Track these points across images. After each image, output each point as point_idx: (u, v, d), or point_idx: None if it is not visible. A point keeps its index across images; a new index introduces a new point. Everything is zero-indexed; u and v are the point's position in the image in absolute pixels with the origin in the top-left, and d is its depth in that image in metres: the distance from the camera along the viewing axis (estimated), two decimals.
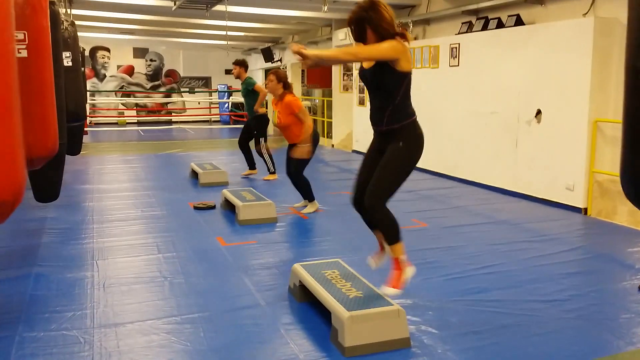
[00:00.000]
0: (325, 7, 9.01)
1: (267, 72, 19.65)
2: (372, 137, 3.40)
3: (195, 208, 6.35)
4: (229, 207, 6.17)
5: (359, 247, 4.76)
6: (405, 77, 3.14)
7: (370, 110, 3.30)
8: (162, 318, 3.42)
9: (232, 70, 8.51)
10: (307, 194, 6.24)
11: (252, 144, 8.36)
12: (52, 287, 3.93)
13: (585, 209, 6.18)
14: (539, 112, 6.68)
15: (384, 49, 3.05)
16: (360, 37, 3.17)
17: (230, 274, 4.22)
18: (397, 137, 3.18)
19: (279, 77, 6.11)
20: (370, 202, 3.18)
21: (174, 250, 4.78)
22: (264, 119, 8.35)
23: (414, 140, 3.21)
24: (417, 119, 3.26)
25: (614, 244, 5.08)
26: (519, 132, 6.99)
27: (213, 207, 6.38)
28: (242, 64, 8.35)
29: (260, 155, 8.28)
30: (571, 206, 6.30)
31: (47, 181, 5.02)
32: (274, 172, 8.29)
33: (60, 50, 4.62)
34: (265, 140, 8.30)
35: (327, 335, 3.17)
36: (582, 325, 3.36)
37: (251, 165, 8.47)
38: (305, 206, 6.31)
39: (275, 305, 3.64)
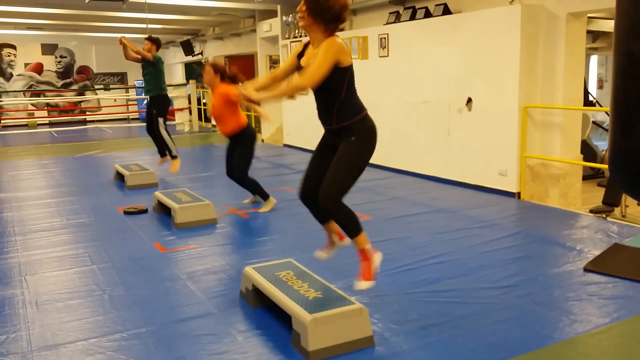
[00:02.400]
0: None
1: (187, 65, 19.10)
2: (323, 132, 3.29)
3: (126, 213, 5.99)
4: (163, 210, 5.86)
5: (307, 245, 4.63)
6: (347, 72, 3.04)
7: (317, 109, 3.20)
8: (107, 335, 3.16)
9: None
10: (260, 193, 5.98)
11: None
12: None
13: (519, 193, 6.35)
14: (469, 100, 6.79)
15: (325, 62, 2.93)
16: (311, 19, 3.02)
17: (175, 282, 3.97)
18: (349, 133, 3.09)
19: (215, 68, 5.74)
20: (325, 201, 3.08)
21: (108, 260, 4.47)
22: (165, 99, 7.78)
23: (366, 134, 3.14)
24: (368, 113, 3.17)
25: (550, 227, 5.23)
26: (451, 121, 7.09)
27: (145, 211, 6.04)
28: (156, 42, 7.59)
29: (157, 137, 7.70)
30: (504, 191, 6.46)
31: None
32: (176, 156, 7.76)
33: None
34: (165, 122, 7.70)
35: (288, 340, 3.03)
36: (537, 310, 3.40)
37: (162, 152, 7.96)
38: (257, 202, 6.14)
39: (228, 312, 3.46)
